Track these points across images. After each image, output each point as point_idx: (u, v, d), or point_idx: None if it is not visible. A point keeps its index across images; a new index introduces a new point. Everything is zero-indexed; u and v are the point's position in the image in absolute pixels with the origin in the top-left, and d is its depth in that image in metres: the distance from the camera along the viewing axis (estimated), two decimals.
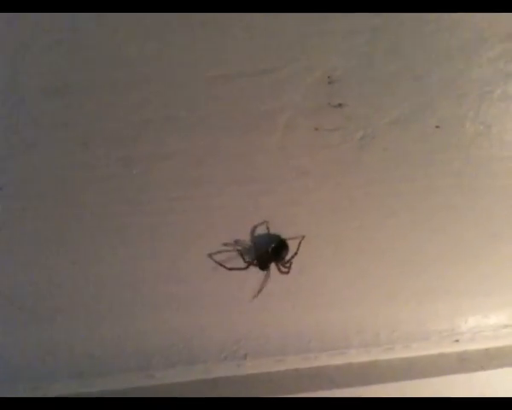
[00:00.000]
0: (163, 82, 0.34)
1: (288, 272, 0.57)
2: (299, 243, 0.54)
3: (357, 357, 0.66)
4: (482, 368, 0.67)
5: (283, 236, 0.53)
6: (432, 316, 0.66)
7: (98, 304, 0.57)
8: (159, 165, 0.39)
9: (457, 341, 0.67)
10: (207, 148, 0.39)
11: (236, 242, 0.54)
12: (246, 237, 0.53)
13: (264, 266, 0.56)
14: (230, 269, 0.54)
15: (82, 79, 0.34)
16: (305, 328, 0.64)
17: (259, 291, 0.55)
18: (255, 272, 0.57)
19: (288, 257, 0.56)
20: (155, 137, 0.38)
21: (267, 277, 0.55)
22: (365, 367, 0.67)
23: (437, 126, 0.41)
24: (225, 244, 0.53)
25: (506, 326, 0.66)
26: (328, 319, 0.64)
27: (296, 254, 0.55)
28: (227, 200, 0.45)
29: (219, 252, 0.53)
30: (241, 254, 0.54)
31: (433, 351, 0.68)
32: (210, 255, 0.52)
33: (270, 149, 0.40)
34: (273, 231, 0.52)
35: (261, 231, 0.53)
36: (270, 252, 0.55)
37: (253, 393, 0.64)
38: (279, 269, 0.57)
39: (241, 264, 0.55)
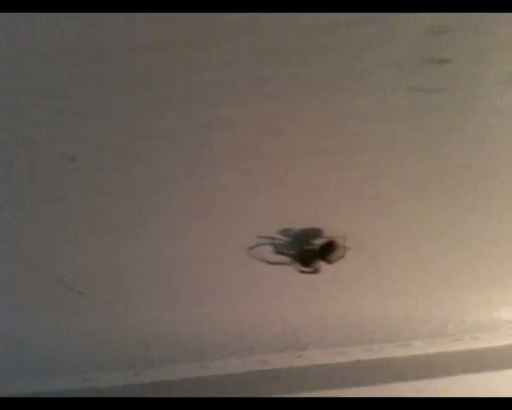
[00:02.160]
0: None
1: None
2: (343, 244, 0.49)
3: (424, 349, 0.62)
4: None
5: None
6: (504, 304, 0.61)
7: (152, 290, 0.53)
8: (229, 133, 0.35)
9: None
10: (285, 113, 0.35)
11: (286, 230, 0.48)
12: (301, 223, 0.48)
13: (306, 263, 0.51)
14: (272, 264, 0.50)
15: None
16: (368, 318, 0.60)
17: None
18: None
19: (333, 258, 0.51)
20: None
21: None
22: (432, 359, 0.62)
23: None
24: (279, 232, 0.48)
25: None
26: (392, 308, 0.59)
27: (343, 256, 0.50)
28: (296, 174, 0.41)
29: (269, 239, 0.48)
30: (285, 247, 0.49)
31: (504, 342, 0.63)
32: (251, 248, 0.47)
33: (360, 115, 0.35)
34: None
35: (312, 221, 0.48)
36: (316, 251, 0.50)
37: (313, 385, 0.60)
38: (315, 270, 0.52)
39: (283, 258, 0.50)
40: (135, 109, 0.34)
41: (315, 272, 0.51)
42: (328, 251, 0.49)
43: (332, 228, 0.47)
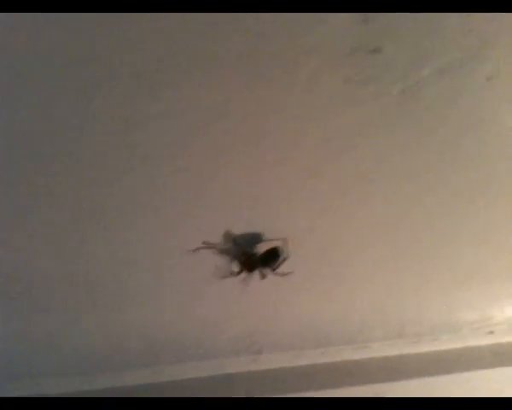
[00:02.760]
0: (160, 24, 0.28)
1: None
2: (285, 246, 0.49)
3: (382, 351, 0.61)
4: None
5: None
6: (463, 305, 0.60)
7: (99, 293, 0.52)
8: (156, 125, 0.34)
9: (492, 332, 0.61)
10: (211, 107, 0.34)
11: (227, 234, 0.47)
12: (240, 227, 0.47)
13: (250, 269, 0.50)
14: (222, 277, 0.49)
15: None
16: (323, 320, 0.59)
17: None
18: None
19: (276, 265, 0.50)
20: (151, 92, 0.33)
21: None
22: (390, 362, 0.61)
23: (488, 78, 0.35)
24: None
25: None
26: (347, 310, 0.59)
27: (285, 259, 0.50)
28: (229, 174, 0.40)
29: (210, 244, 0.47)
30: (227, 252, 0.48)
31: (465, 344, 0.62)
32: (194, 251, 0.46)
33: (289, 107, 0.34)
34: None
35: (256, 224, 0.47)
36: (258, 257, 0.49)
37: (269, 390, 0.59)
38: (263, 275, 0.51)
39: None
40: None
41: (262, 277, 0.51)
42: (270, 258, 0.48)
43: (275, 229, 0.47)
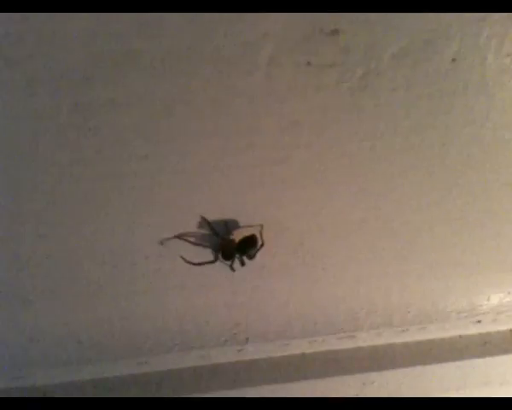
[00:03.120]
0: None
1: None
2: (260, 233, 0.48)
3: (369, 340, 0.61)
4: (506, 352, 0.62)
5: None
6: (450, 294, 0.60)
7: (83, 284, 0.52)
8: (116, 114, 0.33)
9: (479, 322, 0.61)
10: (174, 94, 0.33)
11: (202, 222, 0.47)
12: (215, 215, 0.46)
13: (227, 257, 0.50)
14: (199, 264, 0.49)
15: None
16: (309, 309, 0.58)
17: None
18: None
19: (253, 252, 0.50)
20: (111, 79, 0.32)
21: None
22: (377, 351, 0.61)
23: (453, 59, 0.35)
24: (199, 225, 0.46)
25: None
26: (334, 298, 0.58)
27: (262, 245, 0.49)
28: (197, 159, 0.39)
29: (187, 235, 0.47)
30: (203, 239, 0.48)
31: (452, 333, 0.62)
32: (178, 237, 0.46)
33: (251, 93, 0.34)
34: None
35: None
36: (235, 245, 0.49)
37: (255, 380, 0.59)
38: (242, 262, 0.51)
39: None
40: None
41: (242, 264, 0.50)
42: (247, 246, 0.48)
43: (251, 216, 0.46)
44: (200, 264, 0.48)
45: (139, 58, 0.31)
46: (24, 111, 0.33)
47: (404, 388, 0.62)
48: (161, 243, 0.50)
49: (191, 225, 0.46)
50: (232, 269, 0.51)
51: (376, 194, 0.46)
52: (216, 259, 0.48)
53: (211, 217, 0.45)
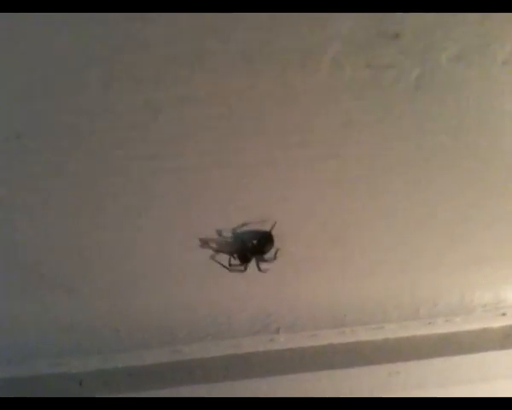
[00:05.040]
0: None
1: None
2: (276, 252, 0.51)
3: (396, 332, 0.62)
4: None
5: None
6: (476, 287, 0.61)
7: (120, 274, 0.53)
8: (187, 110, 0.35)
9: (504, 314, 0.62)
10: (237, 93, 0.35)
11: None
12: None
13: (244, 260, 0.51)
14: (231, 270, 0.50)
15: None
16: (340, 301, 0.60)
17: None
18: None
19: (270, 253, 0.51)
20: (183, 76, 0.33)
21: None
22: (404, 343, 0.63)
23: (503, 62, 0.36)
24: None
25: None
26: (363, 291, 0.59)
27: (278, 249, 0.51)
28: (256, 155, 0.40)
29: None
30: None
31: (477, 326, 0.63)
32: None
33: (310, 93, 0.35)
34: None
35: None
36: (251, 247, 0.50)
37: (286, 368, 0.60)
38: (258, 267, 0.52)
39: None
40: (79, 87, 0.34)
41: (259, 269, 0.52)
42: (264, 247, 0.49)
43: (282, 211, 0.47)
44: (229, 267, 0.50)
45: (209, 58, 0.32)
46: (98, 108, 0.34)
47: (429, 378, 0.63)
48: (197, 236, 0.51)
49: (231, 221, 0.47)
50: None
51: (419, 189, 0.47)
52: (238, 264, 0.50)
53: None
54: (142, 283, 0.54)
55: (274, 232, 0.50)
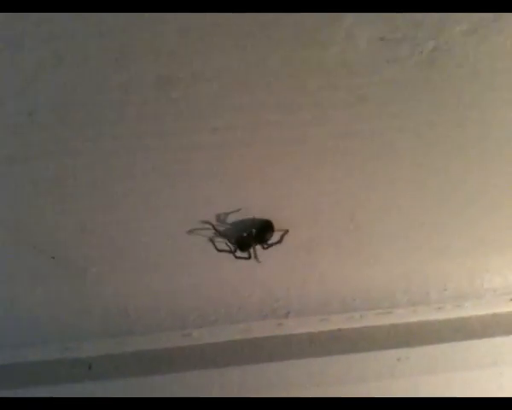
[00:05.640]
0: None
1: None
2: (283, 235, 0.51)
3: (405, 317, 0.62)
4: None
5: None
6: (486, 272, 0.60)
7: (130, 257, 0.53)
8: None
9: None
10: (252, 67, 0.34)
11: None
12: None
13: (244, 248, 0.51)
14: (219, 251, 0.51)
15: None
16: (348, 285, 0.60)
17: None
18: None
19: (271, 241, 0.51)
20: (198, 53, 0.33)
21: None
22: (413, 328, 0.62)
23: None
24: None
25: None
26: (372, 275, 0.59)
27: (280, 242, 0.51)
28: (269, 131, 0.40)
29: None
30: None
31: (487, 311, 0.63)
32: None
33: (325, 67, 0.35)
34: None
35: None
36: (252, 235, 0.50)
37: (294, 353, 0.60)
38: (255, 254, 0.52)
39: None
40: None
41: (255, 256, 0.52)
42: (263, 234, 0.49)
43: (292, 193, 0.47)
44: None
45: (223, 31, 0.32)
46: (111, 83, 0.35)
47: (438, 364, 0.63)
48: (203, 220, 0.51)
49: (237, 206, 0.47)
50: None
51: (430, 171, 0.47)
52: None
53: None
54: (151, 266, 0.54)
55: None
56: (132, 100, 0.36)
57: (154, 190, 0.46)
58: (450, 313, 0.63)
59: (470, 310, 0.63)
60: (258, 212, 0.50)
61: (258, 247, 0.52)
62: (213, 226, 0.49)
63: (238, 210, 0.49)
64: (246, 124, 0.39)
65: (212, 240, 0.51)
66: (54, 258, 0.49)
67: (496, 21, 0.35)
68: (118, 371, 0.59)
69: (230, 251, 0.51)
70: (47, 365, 0.59)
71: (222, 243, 0.51)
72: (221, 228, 0.50)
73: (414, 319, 0.62)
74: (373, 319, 0.62)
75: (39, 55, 0.34)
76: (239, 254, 0.51)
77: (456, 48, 0.35)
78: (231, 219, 0.50)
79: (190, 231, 0.52)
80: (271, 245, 0.51)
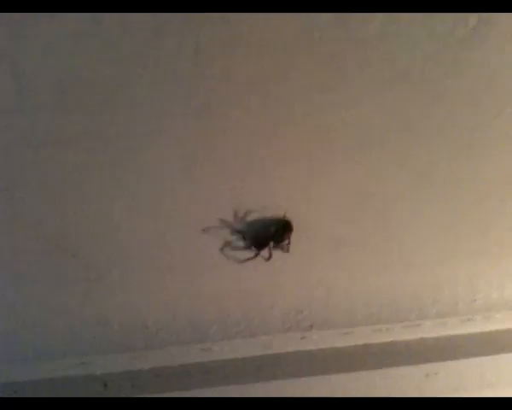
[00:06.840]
0: None
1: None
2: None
3: (433, 329, 0.59)
4: None
5: None
6: None
7: (149, 267, 0.51)
8: None
9: None
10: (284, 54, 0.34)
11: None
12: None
13: (261, 247, 0.50)
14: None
15: None
16: (374, 296, 0.57)
17: None
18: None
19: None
20: None
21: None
22: (442, 341, 0.60)
23: None
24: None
25: None
26: (399, 285, 0.57)
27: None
28: (294, 126, 0.39)
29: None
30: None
31: None
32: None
33: (363, 47, 0.34)
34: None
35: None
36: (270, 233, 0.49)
37: (318, 368, 0.58)
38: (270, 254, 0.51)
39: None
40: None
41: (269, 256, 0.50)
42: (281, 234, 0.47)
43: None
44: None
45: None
46: (148, 58, 0.34)
47: (468, 379, 0.60)
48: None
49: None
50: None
51: (460, 167, 0.45)
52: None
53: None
54: (170, 277, 0.52)
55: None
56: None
57: (175, 194, 0.45)
58: (480, 326, 0.60)
59: (500, 322, 0.60)
60: (278, 211, 0.49)
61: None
62: (231, 226, 0.48)
63: (258, 209, 0.47)
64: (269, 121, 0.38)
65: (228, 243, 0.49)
66: (74, 256, 0.47)
67: None
68: (133, 388, 0.57)
69: (246, 247, 0.49)
70: (62, 380, 0.57)
71: (239, 242, 0.50)
72: (239, 226, 0.49)
73: (442, 331, 0.60)
74: (400, 332, 0.59)
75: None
76: (254, 251, 0.50)
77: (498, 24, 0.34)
78: (251, 217, 0.48)
79: (209, 242, 0.50)
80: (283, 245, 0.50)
